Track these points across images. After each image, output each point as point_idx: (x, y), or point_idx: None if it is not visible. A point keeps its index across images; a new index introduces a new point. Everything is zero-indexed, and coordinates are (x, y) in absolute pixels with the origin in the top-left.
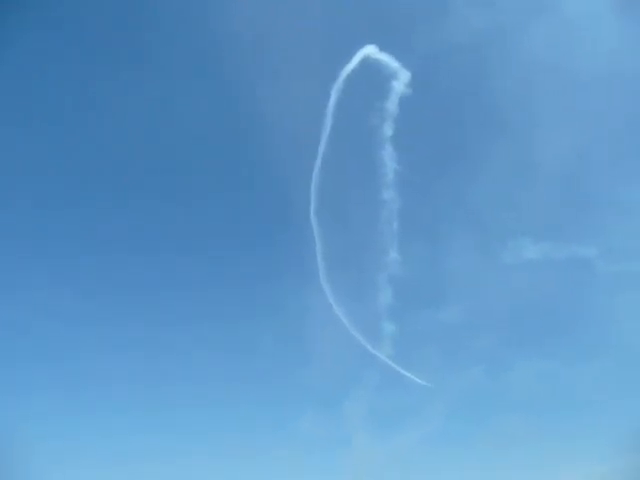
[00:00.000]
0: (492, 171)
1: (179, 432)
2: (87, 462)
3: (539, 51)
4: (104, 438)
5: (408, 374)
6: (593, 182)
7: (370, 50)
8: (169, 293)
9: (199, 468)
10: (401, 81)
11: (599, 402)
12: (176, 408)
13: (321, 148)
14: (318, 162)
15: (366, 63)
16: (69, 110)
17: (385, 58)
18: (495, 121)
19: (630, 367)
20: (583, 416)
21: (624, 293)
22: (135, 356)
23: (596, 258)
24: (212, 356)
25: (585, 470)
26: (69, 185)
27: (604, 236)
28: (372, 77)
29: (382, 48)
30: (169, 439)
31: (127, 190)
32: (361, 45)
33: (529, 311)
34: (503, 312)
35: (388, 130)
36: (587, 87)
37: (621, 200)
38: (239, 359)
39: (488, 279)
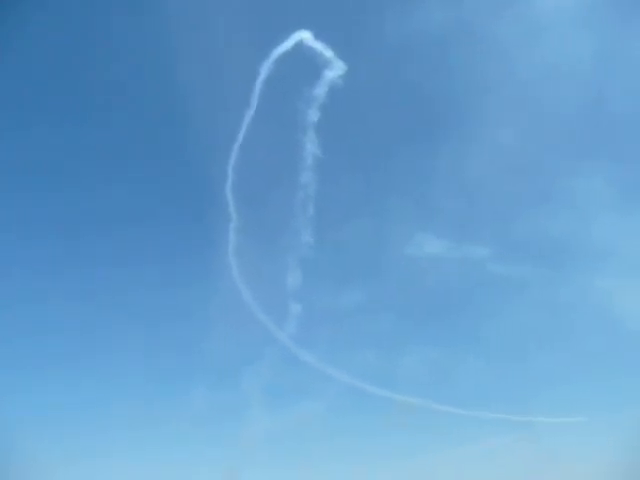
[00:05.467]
0: (409, 168)
1: (73, 404)
2: None
3: (483, 52)
4: None
5: (306, 354)
6: (503, 186)
7: (304, 35)
8: (74, 269)
9: (90, 441)
10: (334, 71)
11: (478, 389)
12: (72, 380)
13: (243, 125)
14: (239, 139)
15: (300, 48)
16: None
17: (319, 46)
18: (421, 122)
19: (506, 360)
20: (464, 399)
21: (506, 294)
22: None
23: (488, 259)
24: (108, 327)
25: (469, 449)
26: None
27: (499, 239)
28: (304, 63)
29: (321, 36)
30: (63, 411)
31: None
32: (297, 29)
33: (423, 302)
34: (400, 300)
35: (313, 116)
36: (517, 87)
37: (526, 207)
38: (135, 330)
39: (390, 268)
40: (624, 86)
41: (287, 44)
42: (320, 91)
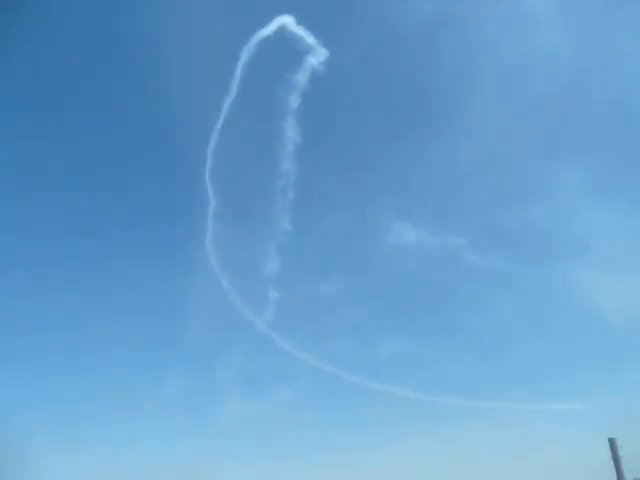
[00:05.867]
0: (391, 157)
1: (51, 398)
2: None
3: (469, 42)
4: None
5: (285, 341)
6: (484, 178)
7: (286, 20)
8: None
9: (70, 432)
10: (316, 57)
11: (459, 377)
12: (48, 374)
13: (223, 110)
14: (219, 124)
15: (281, 33)
16: None
17: (301, 31)
18: (404, 111)
19: (487, 348)
20: (445, 387)
21: (487, 283)
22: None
23: (467, 249)
24: (87, 317)
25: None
26: None
27: (479, 230)
28: (286, 48)
29: (303, 21)
30: (44, 407)
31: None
32: (279, 14)
33: (403, 291)
34: (380, 289)
35: (294, 103)
36: (501, 80)
37: (506, 199)
38: (113, 319)
39: (370, 257)
40: (610, 84)
41: (268, 29)
42: (301, 77)
